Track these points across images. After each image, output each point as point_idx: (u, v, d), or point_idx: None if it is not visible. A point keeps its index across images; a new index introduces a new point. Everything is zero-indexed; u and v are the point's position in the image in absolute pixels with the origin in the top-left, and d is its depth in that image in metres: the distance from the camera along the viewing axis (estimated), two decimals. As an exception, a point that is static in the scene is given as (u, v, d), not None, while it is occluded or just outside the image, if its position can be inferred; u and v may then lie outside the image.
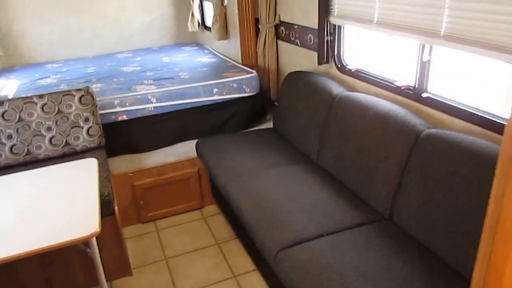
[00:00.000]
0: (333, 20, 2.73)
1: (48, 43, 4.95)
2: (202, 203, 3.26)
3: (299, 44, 3.29)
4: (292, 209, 2.07)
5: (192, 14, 4.99)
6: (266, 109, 3.64)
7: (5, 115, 2.62)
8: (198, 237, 2.93)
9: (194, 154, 3.12)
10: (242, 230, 2.60)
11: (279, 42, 3.65)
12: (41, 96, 2.70)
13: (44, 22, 4.87)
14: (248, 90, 3.39)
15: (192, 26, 5.05)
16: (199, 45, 5.17)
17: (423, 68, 2.08)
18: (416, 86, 2.15)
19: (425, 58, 2.05)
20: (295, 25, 3.28)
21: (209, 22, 4.96)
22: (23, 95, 2.82)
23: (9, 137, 2.63)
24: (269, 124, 3.45)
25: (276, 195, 2.20)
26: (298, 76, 2.97)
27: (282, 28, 3.52)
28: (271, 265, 1.91)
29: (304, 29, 3.15)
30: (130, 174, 2.97)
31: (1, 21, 4.66)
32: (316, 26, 2.94)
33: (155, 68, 4.04)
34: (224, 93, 3.31)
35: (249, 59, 3.82)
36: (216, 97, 3.30)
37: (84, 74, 4.04)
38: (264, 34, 3.64)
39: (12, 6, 4.69)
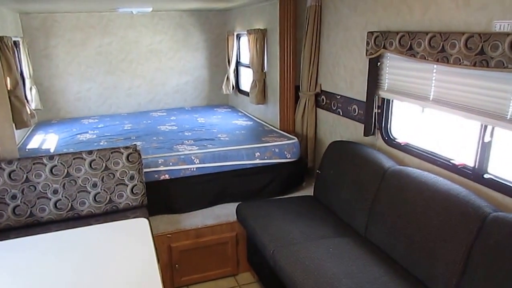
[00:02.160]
0: (383, 94, 2.81)
1: (86, 99, 5.13)
2: (237, 270, 3.17)
3: (341, 113, 3.36)
4: (351, 287, 2.00)
5: (228, 78, 5.18)
6: (303, 176, 3.64)
7: (53, 170, 2.65)
8: None
9: (232, 217, 3.08)
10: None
11: (319, 110, 3.74)
12: (90, 152, 2.75)
13: (84, 80, 5.09)
14: (289, 156, 3.42)
15: (227, 89, 5.22)
16: (232, 108, 5.31)
17: (484, 148, 2.09)
18: (476, 166, 2.14)
19: (486, 139, 2.06)
20: (338, 95, 3.37)
21: (243, 86, 5.13)
22: (72, 151, 2.88)
23: (55, 192, 2.64)
24: (307, 192, 3.44)
25: (332, 269, 2.14)
26: (343, 146, 3.00)
27: (323, 97, 3.62)
28: None
29: (348, 100, 3.23)
30: (168, 236, 2.93)
31: (44, 77, 4.88)
32: (361, 98, 3.01)
33: (193, 128, 4.13)
34: (266, 158, 3.34)
35: (287, 125, 3.90)
36: (257, 161, 3.32)
37: (122, 131, 4.13)
38: (304, 101, 3.73)
39: (56, 64, 4.93)
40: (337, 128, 3.43)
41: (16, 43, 3.98)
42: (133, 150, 2.82)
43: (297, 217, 2.78)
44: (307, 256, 2.27)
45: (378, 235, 2.42)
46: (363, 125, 2.96)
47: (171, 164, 3.09)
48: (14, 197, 2.55)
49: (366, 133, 2.92)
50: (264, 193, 3.33)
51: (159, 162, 3.07)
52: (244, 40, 4.79)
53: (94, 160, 2.73)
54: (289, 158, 3.42)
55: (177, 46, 5.36)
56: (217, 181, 3.21)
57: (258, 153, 3.30)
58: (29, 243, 2.02)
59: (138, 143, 3.51)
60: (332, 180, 2.95)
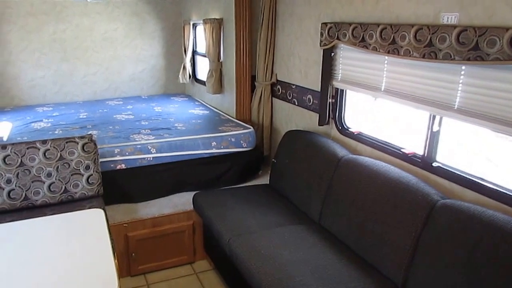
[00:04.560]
0: (337, 84, 2.78)
1: (40, 87, 4.78)
2: (194, 258, 3.07)
3: (296, 103, 3.31)
4: (306, 273, 1.97)
5: (184, 67, 5.00)
6: (259, 165, 3.58)
7: (6, 159, 2.42)
8: None
9: (190, 206, 2.97)
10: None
11: (274, 99, 3.68)
12: (44, 142, 2.54)
13: (38, 67, 4.73)
14: (245, 145, 3.35)
15: (183, 78, 5.04)
16: (188, 97, 5.15)
17: (433, 138, 2.11)
18: (426, 154, 2.16)
19: (435, 129, 2.08)
20: (293, 85, 3.32)
21: (200, 75, 4.98)
22: (26, 139, 2.64)
23: (8, 181, 2.41)
24: (263, 180, 3.38)
25: (287, 256, 2.09)
26: (298, 135, 2.96)
27: (279, 86, 3.56)
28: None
29: (303, 90, 3.19)
30: (125, 225, 2.78)
31: (-4, 63, 4.47)
32: (316, 88, 2.98)
33: (149, 117, 3.95)
34: (222, 147, 3.24)
35: (243, 114, 3.81)
36: (213, 150, 3.22)
37: (78, 120, 3.88)
38: (260, 91, 3.66)
39: (9, 50, 4.55)
40: (292, 118, 3.39)
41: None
42: (88, 140, 2.64)
43: (253, 205, 2.72)
44: (263, 244, 2.21)
45: (332, 222, 2.41)
46: (317, 115, 2.92)
47: (127, 153, 2.92)
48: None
49: (320, 123, 2.90)
50: (221, 182, 3.24)
51: (115, 152, 2.89)
52: (200, 29, 4.62)
53: (49, 149, 2.53)
54: (245, 147, 3.35)
55: (133, 34, 5.09)
56: (174, 171, 3.07)
57: (214, 143, 3.20)
58: None
59: (94, 132, 3.29)
60: (288, 168, 2.91)
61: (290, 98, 3.38)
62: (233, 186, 3.17)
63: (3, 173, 2.40)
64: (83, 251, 1.73)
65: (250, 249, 2.19)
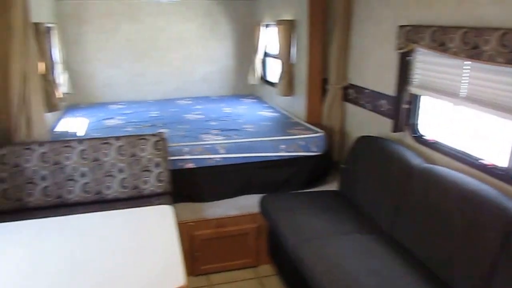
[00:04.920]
0: (413, 89, 2.79)
1: (114, 85, 5.27)
2: (258, 262, 3.22)
3: (369, 108, 3.35)
4: (372, 284, 2.02)
5: (254, 68, 5.21)
6: (328, 170, 3.65)
7: (82, 154, 2.75)
8: None
9: (255, 209, 3.13)
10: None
11: (346, 103, 3.73)
12: (118, 138, 2.84)
13: (112, 66, 5.22)
14: (315, 149, 3.44)
15: (252, 79, 5.26)
16: (257, 98, 5.35)
17: (519, 149, 2.06)
18: (509, 166, 2.11)
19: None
20: (366, 89, 3.36)
21: (270, 76, 5.16)
22: (100, 135, 2.98)
23: (83, 175, 2.75)
24: (332, 186, 3.45)
25: (353, 266, 2.15)
26: (370, 141, 3.00)
27: (351, 90, 3.61)
28: None
29: (376, 94, 3.22)
30: (191, 224, 3.01)
31: (75, 62, 5.03)
32: (390, 93, 3.00)
33: (218, 118, 4.19)
34: (291, 150, 3.37)
35: (314, 118, 3.91)
36: (282, 153, 3.36)
37: (149, 118, 4.23)
38: (332, 94, 3.73)
39: (86, 49, 5.08)
40: (364, 123, 3.43)
41: (49, 29, 4.11)
42: (159, 138, 2.90)
43: (321, 211, 2.81)
44: (329, 251, 2.30)
45: (403, 234, 2.42)
46: (391, 121, 2.94)
47: (196, 153, 3.16)
48: (44, 178, 2.67)
49: (394, 129, 2.92)
50: (288, 186, 3.37)
51: (185, 151, 3.14)
52: (272, 30, 4.80)
53: (122, 146, 2.82)
54: (314, 152, 3.44)
55: (205, 35, 5.42)
56: (241, 172, 3.25)
57: (283, 145, 3.34)
58: (56, 223, 2.13)
59: (164, 131, 3.58)
60: (358, 175, 2.96)
61: (362, 102, 3.43)
62: (300, 191, 3.27)
63: (78, 167, 2.71)
64: (151, 246, 1.91)
65: (316, 255, 2.29)
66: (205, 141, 3.27)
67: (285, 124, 3.82)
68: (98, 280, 1.66)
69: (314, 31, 3.65)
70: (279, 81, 4.31)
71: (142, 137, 2.86)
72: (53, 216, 2.20)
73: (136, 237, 1.99)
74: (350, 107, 3.65)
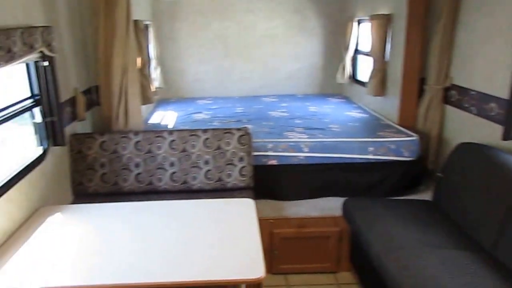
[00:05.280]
0: (530, 91, 2.52)
1: (202, 81, 5.48)
2: (338, 267, 3.13)
3: (474, 112, 3.09)
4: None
5: (343, 66, 5.10)
6: (421, 178, 3.44)
7: (172, 144, 2.88)
8: None
9: (337, 211, 3.05)
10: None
11: (447, 106, 3.49)
12: (205, 131, 2.93)
13: (202, 62, 5.43)
14: (406, 154, 3.27)
15: (341, 78, 5.15)
16: (345, 98, 5.23)
17: None
18: None
19: None
20: (473, 91, 3.11)
21: (360, 75, 5.01)
22: (188, 128, 3.10)
23: (172, 165, 2.87)
24: (424, 196, 3.24)
25: (445, 282, 2.00)
26: (474, 149, 2.76)
27: (454, 92, 3.36)
28: None
29: (485, 97, 2.96)
30: (271, 221, 3.01)
31: (167, 58, 5.31)
32: (503, 95, 2.74)
33: (303, 116, 4.16)
34: (380, 153, 3.23)
35: (407, 121, 3.71)
36: (370, 156, 3.23)
37: (234, 114, 4.33)
38: (430, 95, 3.52)
39: (179, 46, 5.35)
40: (467, 128, 3.17)
41: (146, 26, 4.39)
42: (244, 133, 2.95)
43: (410, 221, 2.65)
44: (417, 263, 2.16)
45: (508, 254, 2.19)
46: (501, 127, 2.69)
47: (280, 150, 3.16)
48: (137, 165, 2.84)
49: (505, 137, 2.66)
50: (374, 191, 3.24)
51: (269, 147, 3.16)
52: (365, 26, 4.66)
53: (208, 138, 2.91)
54: (406, 157, 3.27)
55: (293, 31, 5.43)
56: (325, 173, 3.20)
57: (371, 148, 3.22)
58: (147, 207, 2.33)
59: (249, 126, 3.64)
60: (456, 186, 2.75)
61: (467, 105, 3.18)
62: (387, 198, 3.13)
63: (168, 157, 2.86)
64: (233, 235, 1.99)
65: (401, 266, 2.17)
66: (289, 138, 3.26)
67: (375, 126, 3.68)
68: (179, 261, 1.79)
69: (413, 25, 3.47)
70: (369, 80, 4.18)
71: (227, 131, 2.93)
72: (144, 201, 2.38)
73: (219, 226, 2.08)
74: (451, 110, 3.41)
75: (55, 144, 2.49)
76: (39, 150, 2.41)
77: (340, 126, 3.70)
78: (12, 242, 1.94)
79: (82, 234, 2.05)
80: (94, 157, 2.80)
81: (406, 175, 3.28)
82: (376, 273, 2.39)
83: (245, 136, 2.94)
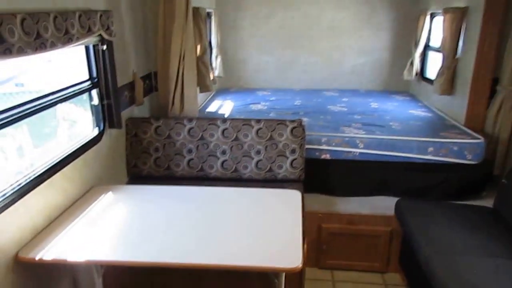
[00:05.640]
0: None
1: (263, 72, 5.56)
2: (386, 268, 3.11)
3: (549, 115, 2.90)
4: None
5: (412, 62, 4.95)
6: (484, 184, 3.29)
7: (225, 132, 2.98)
8: None
9: (390, 211, 3.01)
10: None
11: (520, 109, 3.29)
12: (258, 121, 3.00)
13: (264, 52, 5.51)
14: (470, 157, 3.14)
15: (409, 75, 5.00)
16: (411, 96, 5.08)
17: None
18: None
19: None
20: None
21: (429, 73, 4.84)
22: (242, 117, 3.19)
23: (223, 152, 2.98)
24: (486, 202, 3.10)
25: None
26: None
27: (529, 94, 3.17)
28: None
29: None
30: (320, 215, 3.05)
31: (229, 47, 5.45)
32: None
33: (363, 112, 4.12)
34: (440, 155, 3.14)
35: (475, 122, 3.56)
36: (429, 157, 3.15)
37: (292, 106, 4.37)
38: (502, 97, 3.35)
39: (241, 36, 5.47)
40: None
41: (209, 14, 4.54)
42: (298, 125, 2.99)
43: (466, 227, 2.57)
44: (468, 270, 2.11)
45: None
46: None
47: (334, 144, 3.18)
48: (190, 151, 2.98)
49: None
50: (431, 193, 3.17)
51: (322, 141, 3.18)
52: (438, 20, 4.48)
53: (261, 128, 2.98)
54: (469, 160, 3.15)
55: (360, 24, 5.35)
56: (379, 171, 3.17)
57: (431, 148, 3.13)
58: (197, 191, 2.45)
59: (305, 119, 3.68)
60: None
61: (542, 108, 2.99)
62: (445, 201, 3.04)
63: (220, 144, 2.98)
64: (276, 225, 2.05)
65: (451, 271, 2.13)
66: (345, 133, 3.26)
67: (438, 126, 3.57)
68: (220, 246, 1.89)
69: (490, 20, 3.32)
70: (437, 77, 4.04)
71: (281, 122, 2.99)
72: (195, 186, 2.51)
73: (263, 215, 2.16)
74: (524, 113, 3.21)
75: (111, 127, 2.66)
76: (95, 132, 2.59)
77: (400, 124, 3.63)
78: (65, 217, 2.12)
79: (131, 213, 2.22)
80: (149, 141, 2.97)
81: (468, 179, 3.17)
82: (424, 277, 2.35)
83: (298, 128, 2.98)
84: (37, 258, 1.80)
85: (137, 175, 2.99)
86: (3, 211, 1.76)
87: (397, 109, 4.32)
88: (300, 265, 1.70)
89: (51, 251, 1.84)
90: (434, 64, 4.59)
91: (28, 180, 1.93)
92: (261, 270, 1.74)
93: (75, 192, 2.31)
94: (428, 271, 2.27)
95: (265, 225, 2.05)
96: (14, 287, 1.83)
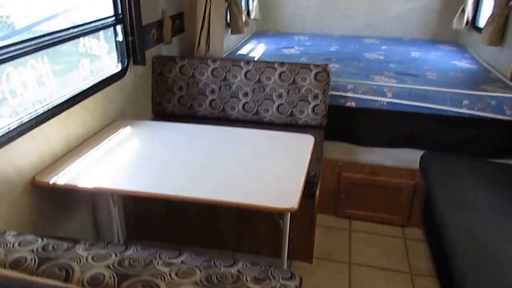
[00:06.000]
0: None
1: (301, 16, 5.42)
2: (407, 222, 3.11)
3: None
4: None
5: (463, 9, 4.65)
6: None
7: (247, 74, 3.00)
8: (392, 256, 2.82)
9: (415, 165, 2.97)
10: (445, 272, 2.38)
11: None
12: (282, 64, 2.99)
13: (303, -5, 5.33)
14: (509, 113, 3.00)
15: (458, 23, 4.72)
16: (460, 47, 4.82)
17: None
18: None
19: None
20: None
21: (482, 22, 4.55)
22: (267, 60, 3.17)
23: (245, 94, 3.00)
24: (521, 162, 2.98)
25: (505, 252, 1.91)
26: None
27: None
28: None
29: None
30: (340, 163, 3.06)
31: (266, -11, 5.32)
32: None
33: (401, 61, 3.98)
34: (476, 109, 3.01)
35: (522, 76, 3.35)
36: (463, 110, 3.04)
37: (326, 52, 4.29)
38: (553, 48, 3.11)
39: (280, -24, 5.30)
40: None
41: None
42: (322, 70, 2.96)
43: (490, 185, 2.49)
44: (482, 228, 2.07)
45: None
46: None
47: (360, 92, 3.12)
48: (212, 91, 3.03)
49: None
50: (461, 149, 3.07)
51: (348, 88, 3.13)
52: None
53: (284, 72, 2.97)
54: (508, 116, 3.01)
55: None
56: (407, 122, 3.10)
57: (466, 101, 3.01)
58: (217, 131, 2.54)
59: (335, 65, 3.63)
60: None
61: None
62: (476, 158, 2.94)
63: (242, 86, 3.01)
64: (282, 166, 2.11)
65: (463, 228, 2.11)
66: (374, 81, 3.18)
67: (480, 79, 3.41)
68: (225, 183, 1.98)
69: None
70: (486, 26, 3.81)
71: (305, 66, 2.96)
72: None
73: (273, 157, 2.22)
74: None
75: (135, 63, 2.74)
76: (119, 67, 2.67)
77: (437, 75, 3.49)
78: (84, 146, 2.27)
79: (151, 146, 2.33)
80: (174, 80, 3.04)
81: (503, 136, 3.04)
82: (438, 232, 2.35)
83: (322, 73, 2.95)
84: (51, 182, 1.94)
85: (162, 113, 3.10)
86: (20, 136, 1.89)
87: (440, 59, 4.14)
88: (295, 207, 1.74)
89: (67, 177, 1.98)
90: (488, 12, 4.28)
91: (46, 109, 2.05)
92: (258, 208, 1.80)
93: (96, 124, 2.44)
94: (441, 226, 2.26)
95: (272, 166, 2.11)
96: (31, 208, 1.99)
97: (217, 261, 1.84)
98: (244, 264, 1.78)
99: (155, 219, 2.85)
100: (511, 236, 2.04)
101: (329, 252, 2.84)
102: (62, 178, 1.98)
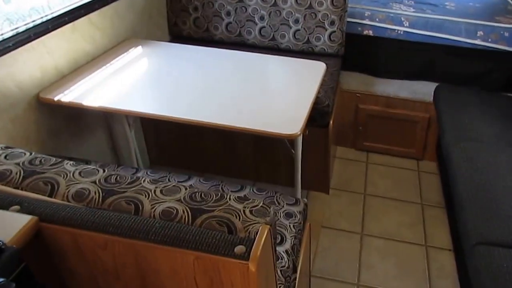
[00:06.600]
0: None
1: None
2: (423, 156, 3.13)
3: None
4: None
5: None
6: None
7: (264, -4, 2.68)
8: (405, 188, 2.86)
9: (430, 98, 2.88)
10: (451, 201, 2.07)
11: None
12: (298, -14, 2.65)
13: None
14: (524, 45, 2.66)
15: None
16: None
17: None
18: None
19: None
20: None
21: None
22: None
23: (261, 18, 2.58)
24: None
25: (507, 181, 1.74)
26: None
27: None
28: (465, 254, 1.77)
29: None
30: (358, 95, 2.96)
31: None
32: None
33: (425, -9, 3.55)
34: (490, 40, 2.80)
35: (539, 9, 2.93)
36: (477, 42, 2.83)
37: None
38: None
39: None
40: None
41: None
42: (341, -6, 2.60)
43: (498, 117, 2.87)
44: (485, 158, 2.20)
45: None
46: None
47: (377, 20, 2.91)
48: (228, 13, 2.94)
49: None
50: (475, 82, 3.00)
51: (365, 15, 2.89)
52: None
53: (302, -4, 2.61)
54: (523, 49, 2.68)
55: None
56: (423, 53, 3.23)
57: (481, 32, 2.79)
58: (231, 54, 2.43)
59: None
60: None
61: None
62: (490, 91, 2.61)
63: (258, 9, 3.28)
64: (290, 94, 1.99)
65: (466, 158, 2.37)
66: (392, 9, 2.84)
67: (497, 10, 3.38)
68: (232, 108, 1.82)
69: None
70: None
71: (321, -11, 2.61)
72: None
73: (282, 83, 2.13)
74: None
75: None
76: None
77: (456, 5, 3.50)
78: (93, 64, 2.40)
79: (162, 67, 2.34)
80: (188, -1, 2.69)
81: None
82: (444, 163, 2.00)
83: (339, -2, 2.57)
84: (55, 99, 1.59)
85: (178, 35, 3.18)
86: (17, 47, 1.60)
87: (463, -10, 3.68)
88: (298, 133, 1.76)
89: (73, 94, 1.69)
90: None
91: (45, 20, 1.66)
92: (261, 134, 1.84)
93: (105, 41, 2.27)
94: (446, 156, 1.97)
95: (281, 92, 2.11)
96: (38, 125, 1.73)
97: (225, 187, 1.63)
98: (251, 189, 1.45)
99: (175, 147, 2.71)
100: (510, 166, 1.71)
101: (346, 183, 2.84)
102: (68, 96, 1.62)
